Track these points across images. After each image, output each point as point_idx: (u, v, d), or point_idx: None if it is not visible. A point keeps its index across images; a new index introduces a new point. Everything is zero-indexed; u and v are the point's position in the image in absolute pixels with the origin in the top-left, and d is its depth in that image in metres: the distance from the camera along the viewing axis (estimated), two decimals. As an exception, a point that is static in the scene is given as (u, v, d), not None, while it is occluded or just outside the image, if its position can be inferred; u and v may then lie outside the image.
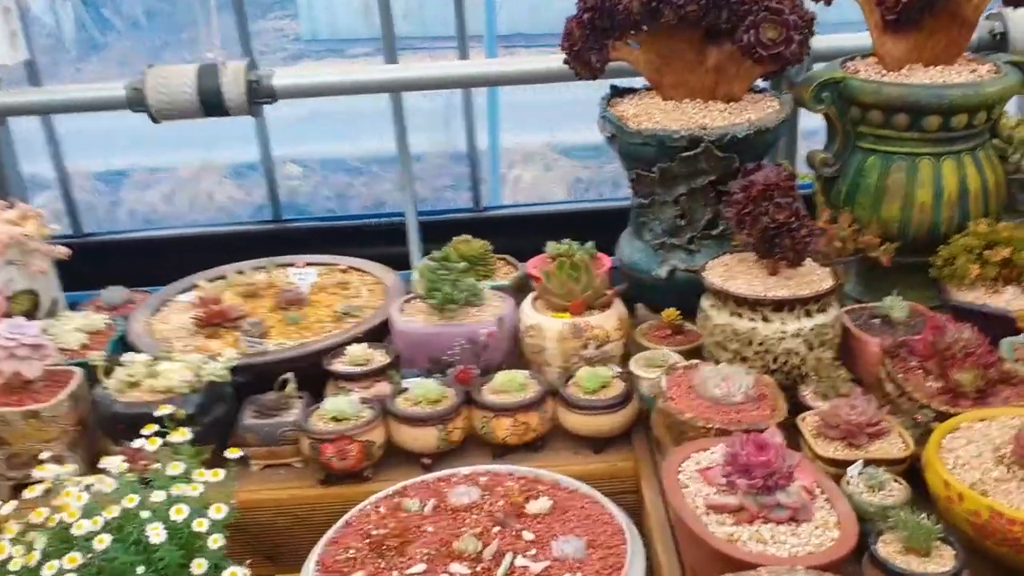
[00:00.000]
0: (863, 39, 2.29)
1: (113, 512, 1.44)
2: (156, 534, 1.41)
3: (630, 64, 2.12)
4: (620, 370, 1.92)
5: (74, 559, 1.39)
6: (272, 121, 3.24)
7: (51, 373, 1.88)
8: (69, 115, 3.09)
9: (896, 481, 1.56)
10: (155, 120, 2.45)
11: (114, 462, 1.55)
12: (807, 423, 1.69)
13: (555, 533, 1.60)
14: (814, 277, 1.87)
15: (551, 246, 2.27)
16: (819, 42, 2.06)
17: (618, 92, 2.24)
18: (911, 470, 1.60)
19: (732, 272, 1.90)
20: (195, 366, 1.84)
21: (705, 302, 1.90)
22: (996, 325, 1.82)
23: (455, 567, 1.53)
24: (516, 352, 2.06)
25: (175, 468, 1.52)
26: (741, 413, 1.67)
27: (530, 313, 2.02)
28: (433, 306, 1.99)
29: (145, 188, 6.42)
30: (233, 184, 6.36)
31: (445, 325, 1.98)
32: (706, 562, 1.43)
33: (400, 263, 2.57)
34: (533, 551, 1.56)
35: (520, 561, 1.53)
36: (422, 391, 1.85)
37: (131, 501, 1.45)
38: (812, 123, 2.72)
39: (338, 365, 1.96)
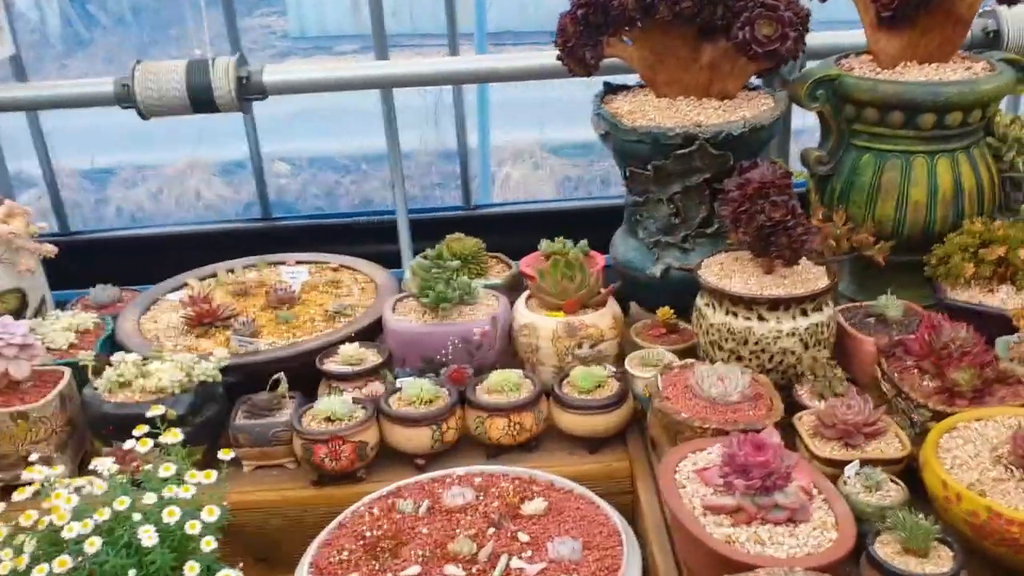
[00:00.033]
0: (856, 37, 2.28)
1: (104, 515, 1.42)
2: (148, 537, 1.39)
3: (624, 61, 2.10)
4: (615, 369, 1.91)
5: (64, 563, 1.37)
6: (260, 119, 3.21)
7: (39, 373, 1.86)
8: (54, 112, 3.07)
9: (893, 481, 1.56)
10: (144, 117, 2.42)
11: (105, 463, 1.53)
12: (803, 423, 1.68)
13: (551, 534, 1.59)
14: (809, 276, 1.86)
15: (544, 244, 2.25)
16: (812, 39, 2.04)
17: (611, 89, 2.22)
18: (907, 470, 1.60)
19: (727, 271, 1.89)
20: (186, 366, 1.82)
21: (700, 301, 1.89)
22: (991, 324, 1.82)
23: (450, 569, 1.52)
24: (510, 351, 2.04)
25: (167, 470, 1.49)
26: (738, 413, 1.66)
27: (524, 312, 2.01)
28: (426, 305, 1.98)
29: (132, 186, 6.38)
30: (221, 182, 6.34)
31: (438, 324, 1.96)
32: (704, 563, 1.42)
33: (390, 261, 2.55)
34: (529, 553, 1.55)
35: (516, 563, 1.52)
36: (416, 391, 1.84)
37: (122, 503, 1.43)
38: (801, 122, 2.73)
39: (330, 365, 1.94)
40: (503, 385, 1.86)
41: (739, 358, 1.82)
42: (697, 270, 1.89)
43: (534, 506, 1.65)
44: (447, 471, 1.77)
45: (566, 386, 1.88)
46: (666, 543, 1.62)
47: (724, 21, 1.97)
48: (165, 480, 1.50)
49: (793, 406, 1.75)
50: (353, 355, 1.94)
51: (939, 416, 1.63)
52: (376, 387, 1.91)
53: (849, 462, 1.57)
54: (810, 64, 2.21)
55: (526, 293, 2.07)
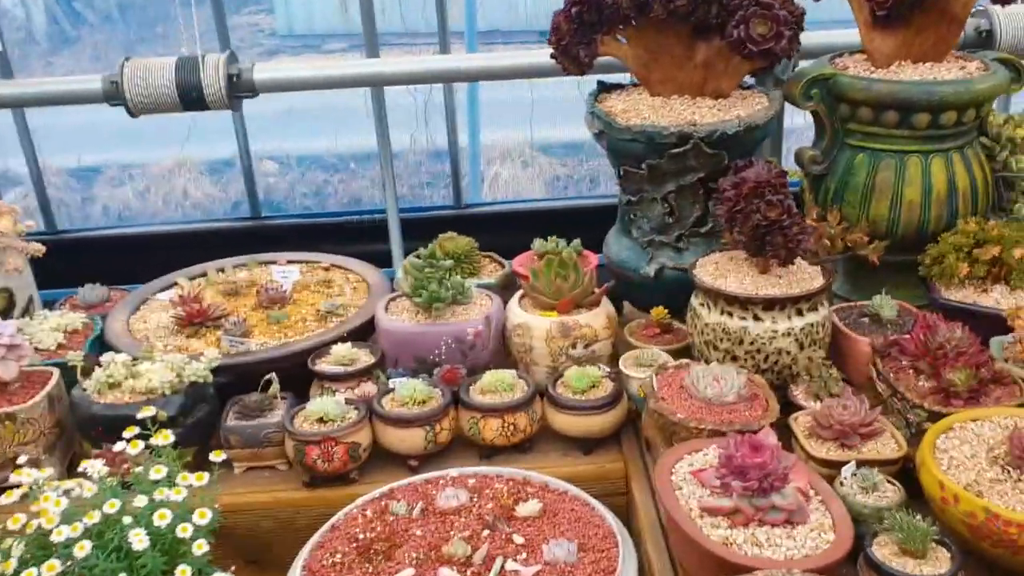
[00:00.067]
0: (849, 36, 2.28)
1: (93, 518, 1.40)
2: (138, 540, 1.37)
3: (618, 59, 2.09)
4: (609, 370, 1.90)
5: (53, 567, 1.35)
6: (247, 117, 3.19)
7: (27, 374, 1.84)
8: (40, 110, 3.04)
9: (889, 482, 1.55)
10: (133, 114, 2.40)
11: (94, 466, 1.51)
12: (799, 423, 1.68)
13: (545, 536, 1.57)
14: (805, 276, 1.85)
15: (537, 244, 2.24)
16: (805, 39, 2.03)
17: (605, 88, 2.21)
18: (903, 471, 1.60)
19: (722, 270, 1.88)
20: (177, 366, 1.80)
21: (695, 300, 1.88)
22: (985, 324, 1.81)
23: (444, 572, 1.50)
24: (503, 352, 2.03)
25: (158, 472, 1.48)
26: (733, 413, 1.65)
27: (517, 312, 1.99)
28: (419, 305, 1.96)
29: (119, 185, 6.35)
30: (208, 181, 6.31)
31: (431, 324, 1.95)
32: (701, 565, 1.41)
33: (381, 261, 2.53)
34: (524, 555, 1.54)
35: (511, 565, 1.51)
36: (409, 392, 1.82)
37: (112, 506, 1.41)
38: (790, 121, 2.73)
39: (323, 365, 1.92)
40: (497, 385, 1.85)
41: (734, 358, 1.81)
42: (692, 270, 1.89)
43: (529, 508, 1.63)
44: (440, 472, 1.76)
45: (560, 386, 1.87)
46: (662, 544, 1.61)
47: (719, 20, 1.97)
48: (156, 482, 1.48)
49: (788, 406, 1.74)
50: (345, 355, 1.93)
51: (935, 416, 1.62)
52: (368, 388, 1.90)
53: (845, 463, 1.57)
54: (803, 63, 2.21)
55: (519, 293, 2.06)
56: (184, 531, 1.41)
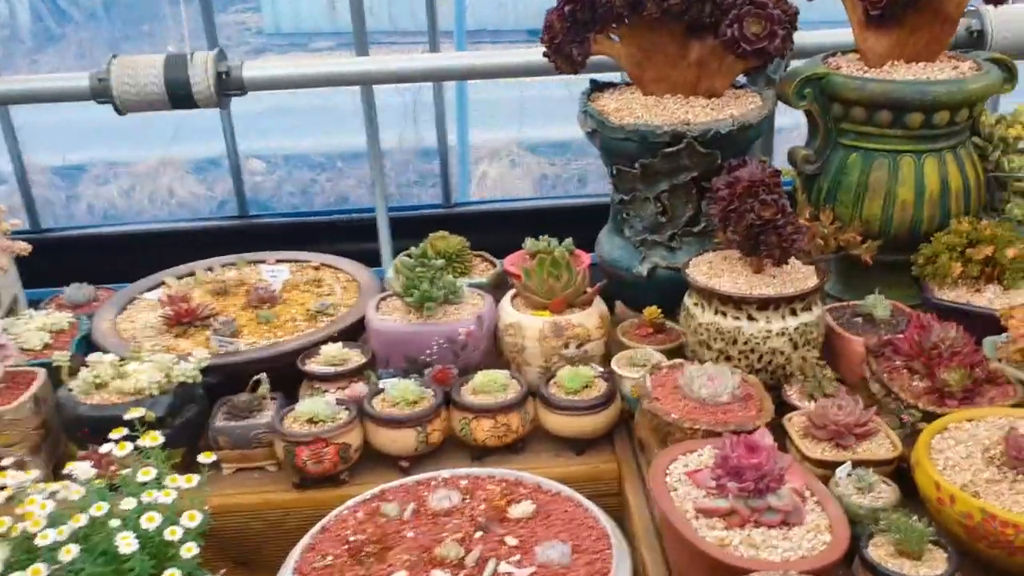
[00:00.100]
0: (841, 35, 2.28)
1: (80, 521, 1.38)
2: (126, 544, 1.35)
3: (611, 58, 2.08)
4: (602, 370, 1.89)
5: (38, 571, 1.32)
6: (234, 116, 3.17)
7: (12, 374, 1.82)
8: (24, 107, 3.00)
9: (885, 483, 1.54)
10: (120, 112, 2.37)
11: (81, 468, 1.48)
12: (793, 423, 1.67)
13: (539, 538, 1.56)
14: (798, 275, 1.84)
15: (529, 243, 2.23)
16: (797, 38, 2.03)
17: (598, 87, 2.20)
18: (896, 471, 1.59)
19: (716, 270, 1.87)
20: (165, 367, 1.77)
21: (688, 300, 1.87)
22: (978, 324, 1.81)
23: (437, 574, 1.49)
24: (495, 352, 2.02)
25: (146, 474, 1.45)
26: (728, 414, 1.64)
27: (509, 311, 1.98)
28: (410, 304, 1.94)
29: (104, 183, 6.29)
30: (194, 179, 6.26)
31: (423, 324, 1.93)
32: (696, 567, 1.40)
33: (369, 260, 2.51)
34: (517, 557, 1.52)
35: (504, 567, 1.49)
36: (400, 392, 1.80)
37: (99, 509, 1.39)
38: (779, 121, 2.72)
39: (313, 365, 1.90)
40: (489, 386, 1.83)
41: (728, 358, 1.80)
42: (685, 269, 1.88)
43: (521, 509, 1.62)
44: (432, 474, 1.74)
45: (553, 386, 1.86)
46: (656, 546, 1.60)
47: (712, 18, 1.96)
48: (144, 484, 1.45)
49: (782, 407, 1.74)
50: (336, 355, 1.91)
51: (929, 417, 1.62)
52: (359, 388, 1.87)
53: (840, 463, 1.56)
54: (795, 63, 2.20)
55: (511, 292, 2.05)
56: (173, 534, 1.38)
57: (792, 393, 1.78)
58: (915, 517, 1.40)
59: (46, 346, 1.99)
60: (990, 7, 2.27)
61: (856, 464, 1.55)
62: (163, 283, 2.25)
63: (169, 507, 1.43)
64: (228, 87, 2.37)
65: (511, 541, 1.55)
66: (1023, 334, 1.70)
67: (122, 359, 1.81)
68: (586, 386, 1.84)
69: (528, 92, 5.97)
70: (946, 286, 1.97)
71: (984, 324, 1.82)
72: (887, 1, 1.98)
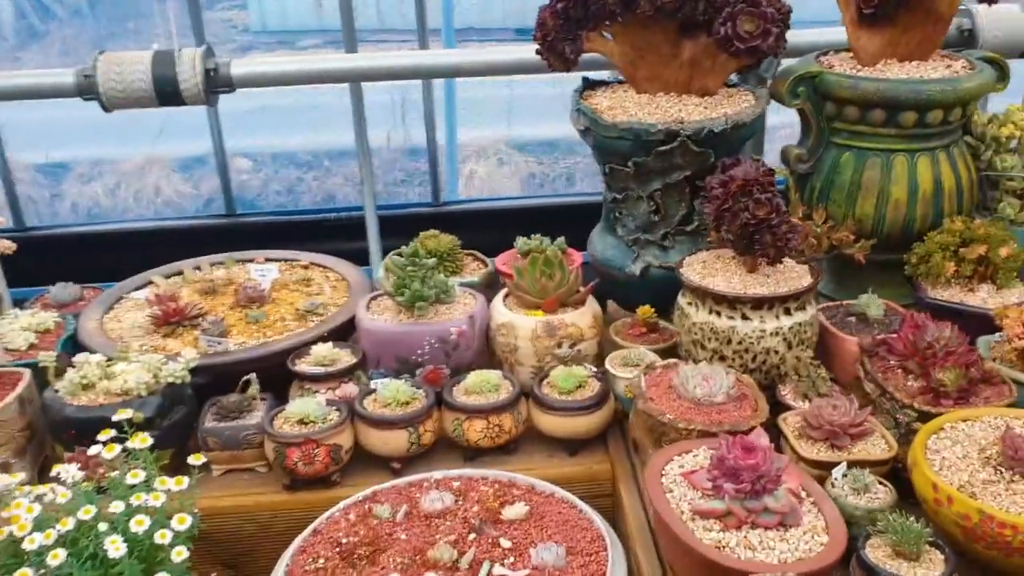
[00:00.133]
0: (832, 34, 2.28)
1: (67, 524, 1.35)
2: (115, 548, 1.32)
3: (604, 56, 2.06)
4: (596, 369, 1.87)
5: (25, 575, 1.30)
6: (220, 114, 3.14)
7: (-3, 375, 1.79)
8: (6, 104, 2.96)
9: (880, 483, 1.53)
10: (106, 109, 2.34)
11: (68, 470, 1.46)
12: (789, 423, 1.66)
13: (533, 540, 1.54)
14: (792, 274, 1.83)
15: (521, 242, 2.21)
16: (789, 37, 2.02)
17: (590, 85, 2.19)
18: (891, 471, 1.58)
19: (710, 269, 1.86)
20: (153, 367, 1.75)
21: (682, 300, 1.86)
22: (971, 323, 1.80)
23: (431, 577, 1.47)
24: (487, 352, 2.00)
25: (135, 476, 1.43)
26: (723, 414, 1.63)
27: (502, 311, 1.96)
28: (401, 304, 1.92)
29: (88, 181, 6.24)
30: (180, 178, 6.22)
31: (414, 324, 1.91)
32: (693, 570, 1.39)
33: (358, 259, 2.49)
34: (511, 559, 1.50)
35: (498, 570, 1.48)
36: (391, 393, 1.79)
37: (87, 512, 1.36)
38: (770, 119, 2.72)
39: (303, 365, 1.88)
40: (481, 386, 1.82)
41: (722, 358, 1.79)
42: (679, 268, 1.86)
43: (515, 511, 1.60)
44: (424, 475, 1.72)
45: (546, 387, 1.84)
46: (651, 547, 1.59)
47: (705, 17, 1.95)
48: (132, 487, 1.43)
49: (776, 407, 1.73)
50: (326, 355, 1.89)
51: (924, 416, 1.61)
52: (350, 388, 1.86)
53: (835, 464, 1.55)
54: (786, 62, 2.19)
55: (503, 291, 2.03)
56: (163, 537, 1.36)
57: (786, 393, 1.77)
58: (912, 518, 1.39)
59: (31, 346, 1.96)
60: (981, 6, 2.27)
61: (851, 464, 1.55)
62: (150, 282, 2.22)
63: (158, 510, 1.40)
64: (216, 84, 2.34)
65: (505, 543, 1.53)
66: (1018, 334, 1.70)
67: (109, 359, 1.79)
68: (579, 386, 1.82)
69: (517, 90, 5.96)
70: (939, 285, 1.96)
71: (978, 323, 1.82)
72: (880, 0, 1.98)
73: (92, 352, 1.84)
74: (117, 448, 1.50)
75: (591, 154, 2.13)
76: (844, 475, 1.53)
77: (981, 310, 1.87)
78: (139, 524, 1.36)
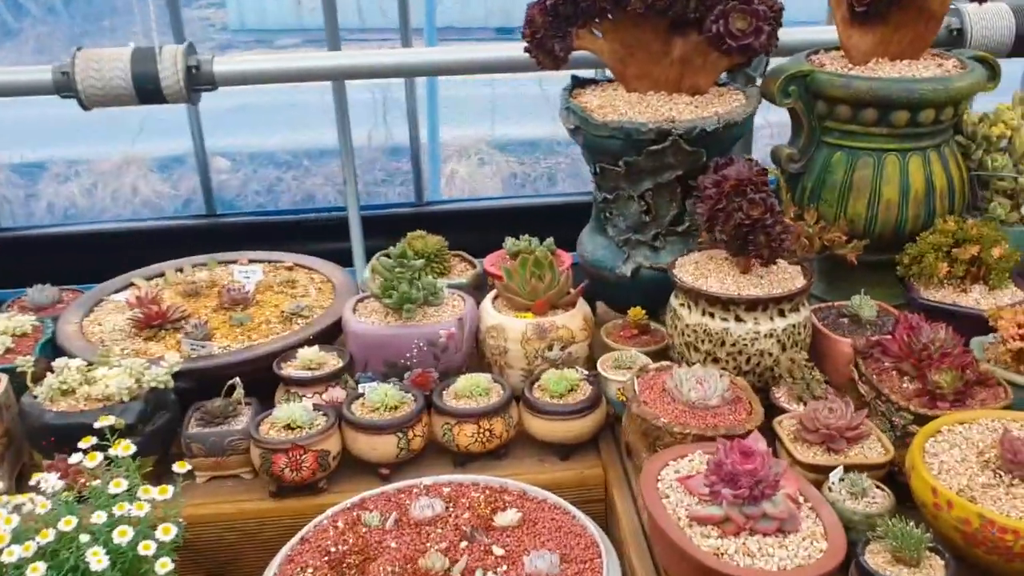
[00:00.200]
0: (822, 33, 2.26)
1: (47, 536, 1.31)
2: (97, 560, 1.28)
3: (593, 54, 2.03)
4: (587, 372, 1.84)
5: (4, 589, 1.26)
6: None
7: (-28, 381, 1.73)
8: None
9: (878, 487, 1.52)
10: (85, 107, 2.29)
11: (47, 479, 1.41)
12: (784, 427, 1.64)
13: (526, 547, 1.51)
14: (785, 275, 1.81)
15: (510, 243, 2.18)
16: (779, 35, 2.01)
17: (579, 83, 2.16)
18: (888, 475, 1.56)
19: (703, 270, 1.83)
20: (136, 371, 1.70)
21: (675, 301, 1.83)
22: (965, 324, 1.79)
23: (422, 586, 1.44)
24: (476, 354, 1.97)
25: (117, 486, 1.39)
26: (718, 417, 1.60)
27: (491, 313, 1.93)
28: (389, 306, 1.89)
29: (64, 181, 6.16)
30: (158, 177, 6.15)
31: (402, 326, 1.88)
32: (691, 577, 1.36)
33: (340, 259, 2.45)
34: (504, 567, 1.47)
35: (491, 578, 1.45)
36: (380, 397, 1.75)
37: (68, 523, 1.32)
38: (755, 120, 2.70)
39: (289, 369, 1.84)
40: (471, 390, 1.79)
41: (716, 360, 1.77)
42: (672, 269, 1.84)
43: (507, 517, 1.57)
44: (413, 481, 1.69)
45: (537, 390, 1.81)
46: (646, 553, 1.56)
47: (697, 14, 1.92)
48: (115, 496, 1.39)
49: (770, 409, 1.71)
50: (313, 359, 1.85)
51: (921, 419, 1.59)
52: (337, 393, 1.82)
53: (831, 467, 1.53)
54: (775, 61, 2.17)
55: (492, 293, 2.00)
56: (147, 548, 1.32)
57: (780, 395, 1.75)
58: (912, 523, 1.38)
59: (8, 350, 1.90)
60: (971, 5, 2.26)
61: (848, 468, 1.53)
62: (131, 284, 2.17)
63: (142, 520, 1.36)
64: (198, 82, 2.30)
65: (498, 551, 1.50)
66: (1013, 335, 1.68)
67: (90, 364, 1.74)
68: (571, 389, 1.80)
69: (500, 89, 5.93)
70: (931, 286, 1.95)
71: (971, 324, 1.80)
72: (873, -3, 1.96)
73: (72, 356, 1.79)
74: (99, 456, 1.46)
75: (572, 154, 2.11)
76: (841, 479, 1.51)
77: (974, 311, 1.86)
78: (122, 535, 1.32)
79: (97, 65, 2.20)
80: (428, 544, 1.52)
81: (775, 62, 2.15)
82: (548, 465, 1.80)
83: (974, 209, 2.18)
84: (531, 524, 1.57)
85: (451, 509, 1.61)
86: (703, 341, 1.77)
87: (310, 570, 1.48)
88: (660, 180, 1.96)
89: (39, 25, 8.60)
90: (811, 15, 2.21)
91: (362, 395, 1.78)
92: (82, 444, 1.48)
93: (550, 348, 1.87)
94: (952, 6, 2.41)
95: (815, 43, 2.25)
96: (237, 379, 1.79)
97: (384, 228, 2.73)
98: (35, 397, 1.70)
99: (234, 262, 2.27)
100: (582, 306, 1.95)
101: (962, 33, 2.46)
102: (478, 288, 2.12)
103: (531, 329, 1.87)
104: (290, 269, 2.25)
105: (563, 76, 2.16)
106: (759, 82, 2.13)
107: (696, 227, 1.96)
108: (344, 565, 1.49)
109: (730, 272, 1.81)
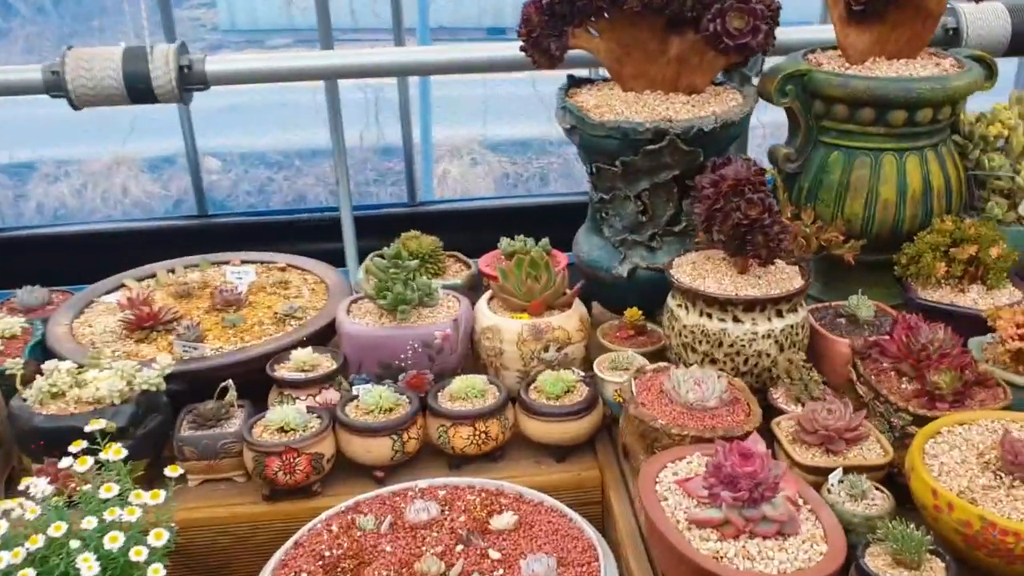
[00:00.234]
0: (818, 32, 2.25)
1: (37, 542, 1.29)
2: (87, 566, 1.26)
3: (590, 52, 2.02)
4: (584, 373, 1.83)
5: (-7, 596, 1.24)
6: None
7: (-39, 383, 1.71)
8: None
9: (877, 489, 1.50)
10: (75, 107, 2.26)
11: (37, 484, 1.39)
12: (782, 428, 1.62)
13: (523, 551, 1.50)
14: (783, 276, 1.80)
15: (505, 243, 2.17)
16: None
17: (575, 82, 2.14)
18: (887, 476, 1.55)
19: (700, 271, 1.82)
20: (127, 374, 1.68)
21: (672, 302, 1.82)
22: (963, 324, 1.78)
23: (418, 590, 1.42)
24: (471, 356, 1.95)
25: (108, 490, 1.36)
26: (716, 419, 1.59)
27: (487, 314, 1.92)
28: (383, 307, 1.87)
29: (54, 181, 6.12)
30: (149, 178, 6.12)
31: (397, 327, 1.86)
32: (690, 580, 1.35)
33: (332, 260, 2.43)
34: (501, 571, 1.46)
35: (488, 583, 1.43)
36: (374, 399, 1.73)
37: (58, 529, 1.30)
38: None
39: (282, 371, 1.82)
40: (467, 391, 1.77)
41: (713, 361, 1.76)
42: (669, 270, 1.83)
43: (503, 520, 1.55)
44: (408, 484, 1.67)
45: (533, 392, 1.80)
46: (643, 556, 1.55)
47: (694, 13, 1.91)
48: (106, 501, 1.37)
49: (768, 410, 1.69)
50: (306, 361, 1.83)
51: (920, 420, 1.58)
52: (331, 395, 1.80)
53: (830, 469, 1.52)
54: (771, 60, 2.16)
55: (488, 294, 1.98)
56: (138, 554, 1.30)
57: (778, 396, 1.74)
58: (913, 525, 1.36)
59: (-3, 353, 1.88)
60: (968, 4, 2.25)
61: (847, 470, 1.51)
62: (122, 285, 2.15)
63: (133, 525, 1.34)
64: (190, 81, 2.27)
65: (494, 554, 1.49)
66: (1012, 335, 1.67)
67: (80, 366, 1.72)
68: (567, 391, 1.78)
69: (493, 90, 5.91)
70: (929, 286, 1.94)
71: (969, 324, 1.79)
72: (871, -4, 1.96)
73: (62, 359, 1.76)
74: (89, 460, 1.44)
75: (564, 154, 2.09)
76: (840, 481, 1.50)
77: (972, 311, 1.85)
78: (113, 541, 1.30)
79: (88, 64, 2.17)
80: (423, 548, 1.50)
81: (771, 61, 2.14)
82: (544, 467, 1.78)
83: (971, 209, 2.17)
84: (527, 527, 1.56)
85: (447, 512, 1.59)
86: (701, 342, 1.76)
87: (304, 574, 1.46)
88: (657, 180, 1.94)
89: (28, 25, 8.55)
90: (803, 15, 2.19)
91: (356, 397, 1.76)
92: (72, 448, 1.46)
93: (546, 349, 1.85)
94: (948, 5, 2.41)
95: (811, 42, 2.24)
96: (230, 381, 1.77)
97: (377, 228, 2.71)
98: (24, 400, 1.67)
99: (226, 263, 2.25)
100: (578, 307, 1.94)
101: (958, 32, 2.45)
102: (473, 289, 2.10)
103: (527, 330, 1.86)
104: (283, 270, 2.23)
105: (558, 76, 2.14)
106: (755, 81, 2.12)
107: (693, 227, 1.95)
108: (338, 569, 1.47)
109: (727, 272, 1.80)
